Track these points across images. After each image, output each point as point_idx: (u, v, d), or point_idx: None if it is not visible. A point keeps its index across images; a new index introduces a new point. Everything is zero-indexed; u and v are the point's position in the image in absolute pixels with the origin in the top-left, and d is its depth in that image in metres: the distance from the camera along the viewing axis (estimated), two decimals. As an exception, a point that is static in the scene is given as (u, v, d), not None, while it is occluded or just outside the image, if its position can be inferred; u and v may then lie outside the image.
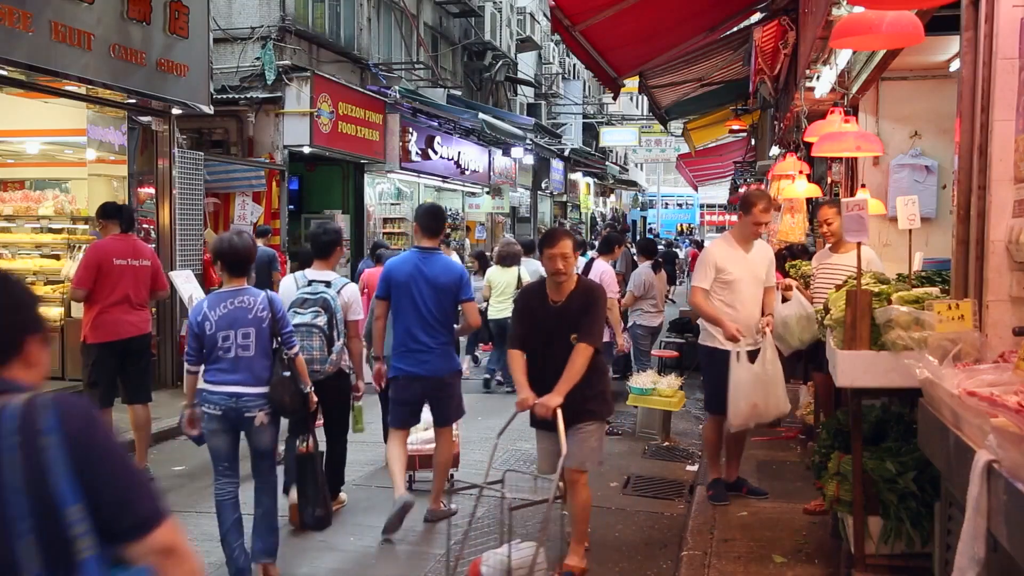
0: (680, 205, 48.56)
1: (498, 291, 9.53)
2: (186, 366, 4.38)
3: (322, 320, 5.16)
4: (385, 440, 5.97)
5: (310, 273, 5.42)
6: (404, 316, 5.27)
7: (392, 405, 5.48)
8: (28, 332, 1.73)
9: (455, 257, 6.58)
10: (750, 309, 5.40)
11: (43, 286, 9.17)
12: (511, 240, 11.14)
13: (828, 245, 5.94)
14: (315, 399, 4.70)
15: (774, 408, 5.33)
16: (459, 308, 5.37)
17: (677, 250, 27.32)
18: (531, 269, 9.62)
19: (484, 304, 9.47)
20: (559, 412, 4.26)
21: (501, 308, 9.33)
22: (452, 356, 5.44)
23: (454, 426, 5.68)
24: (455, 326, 5.45)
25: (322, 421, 5.49)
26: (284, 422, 4.61)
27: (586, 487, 4.58)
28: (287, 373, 4.35)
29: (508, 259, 9.65)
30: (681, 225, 46.50)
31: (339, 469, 5.68)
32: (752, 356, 5.24)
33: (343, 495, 5.78)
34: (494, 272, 9.78)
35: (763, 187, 14.01)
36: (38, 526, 1.56)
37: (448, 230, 18.36)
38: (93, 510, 1.58)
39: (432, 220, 5.49)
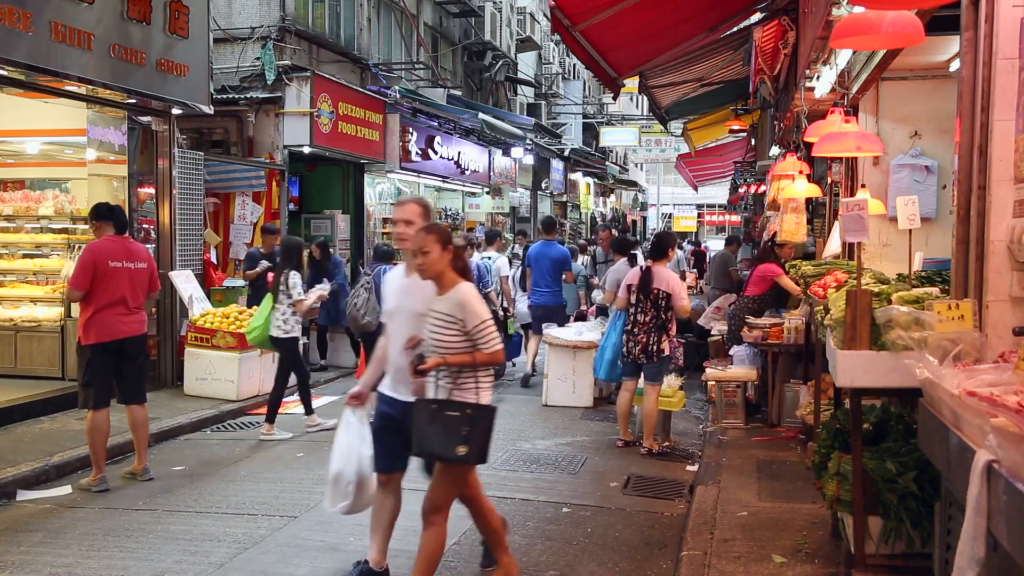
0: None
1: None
2: None
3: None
4: None
5: (484, 253, 10.32)
6: (535, 275, 10.15)
7: (532, 320, 10.23)
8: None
9: (475, 255, 10.03)
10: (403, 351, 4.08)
11: (43, 286, 9.19)
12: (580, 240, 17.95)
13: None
14: (501, 313, 9.44)
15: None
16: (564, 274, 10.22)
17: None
18: (500, 263, 11.13)
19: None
20: None
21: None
22: (559, 296, 10.16)
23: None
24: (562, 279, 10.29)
25: None
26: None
27: None
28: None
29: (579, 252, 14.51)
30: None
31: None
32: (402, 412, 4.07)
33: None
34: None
35: (764, 187, 14.01)
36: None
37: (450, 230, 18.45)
38: None
39: (548, 224, 10.87)
